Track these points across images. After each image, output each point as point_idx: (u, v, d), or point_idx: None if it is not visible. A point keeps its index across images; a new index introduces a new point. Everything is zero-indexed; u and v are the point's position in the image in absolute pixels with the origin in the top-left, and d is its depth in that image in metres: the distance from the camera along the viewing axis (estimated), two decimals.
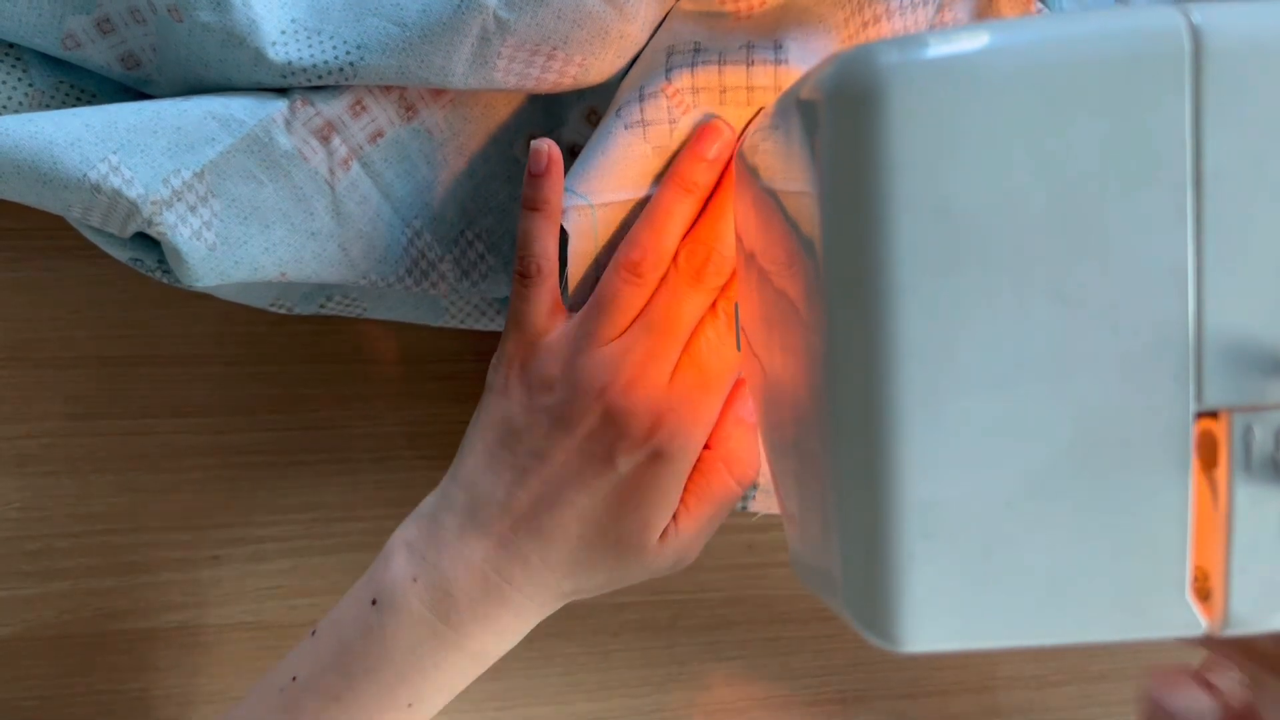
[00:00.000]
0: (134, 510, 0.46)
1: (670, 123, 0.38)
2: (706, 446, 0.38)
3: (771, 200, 0.29)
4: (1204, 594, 0.22)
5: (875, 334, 0.21)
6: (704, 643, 0.51)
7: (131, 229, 0.37)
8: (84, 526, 0.46)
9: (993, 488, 0.22)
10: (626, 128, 0.38)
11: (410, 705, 0.37)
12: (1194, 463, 0.21)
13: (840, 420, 0.23)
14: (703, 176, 0.37)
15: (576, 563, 0.37)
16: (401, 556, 0.37)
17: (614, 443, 0.36)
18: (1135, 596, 0.22)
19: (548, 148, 0.37)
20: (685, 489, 0.38)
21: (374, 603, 0.36)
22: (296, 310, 0.44)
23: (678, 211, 0.38)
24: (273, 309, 0.43)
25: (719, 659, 0.51)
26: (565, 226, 0.38)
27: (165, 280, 0.40)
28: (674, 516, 0.37)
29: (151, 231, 0.36)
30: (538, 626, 0.49)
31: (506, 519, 0.36)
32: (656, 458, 0.36)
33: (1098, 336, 0.21)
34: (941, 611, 0.22)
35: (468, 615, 0.36)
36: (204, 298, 0.43)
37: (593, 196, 0.38)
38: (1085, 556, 0.22)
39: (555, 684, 0.50)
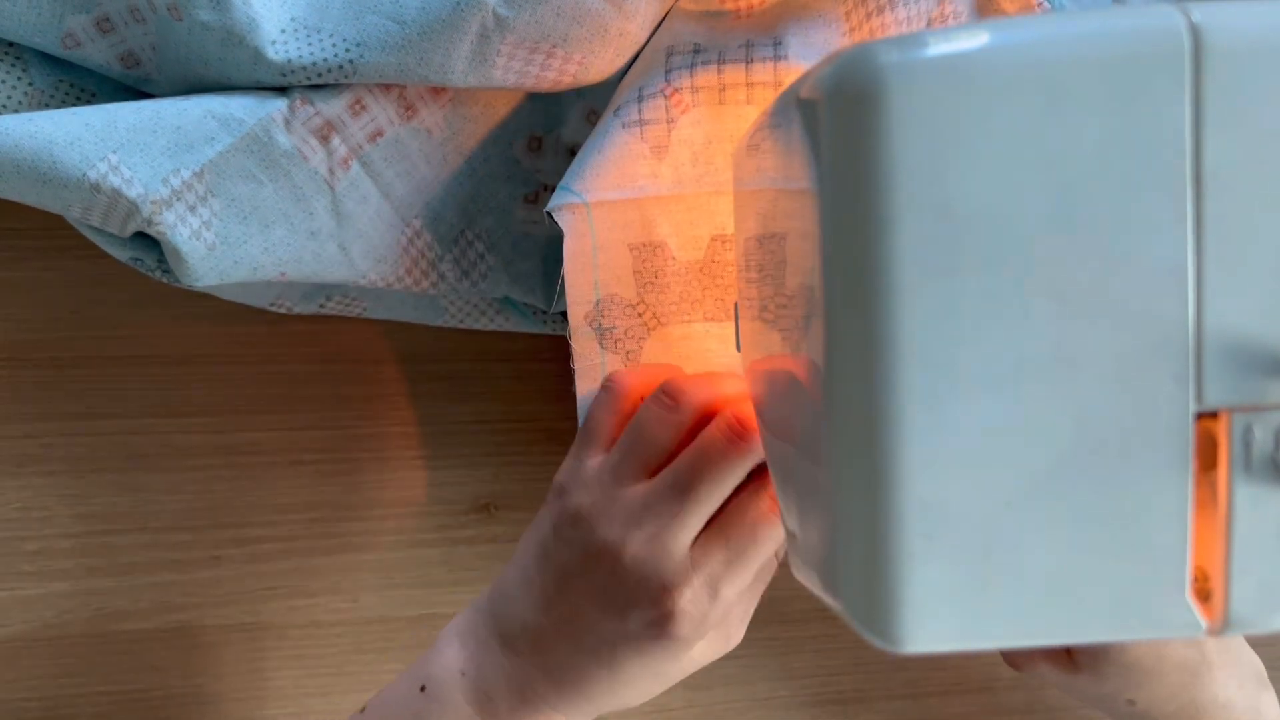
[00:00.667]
0: (134, 510, 0.46)
1: (668, 122, 0.38)
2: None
3: (771, 199, 0.29)
4: (1204, 594, 0.22)
5: (875, 334, 0.21)
6: None
7: (131, 229, 0.37)
8: (84, 526, 0.46)
9: (993, 488, 0.21)
10: (624, 127, 0.38)
11: None
12: (1194, 463, 0.21)
13: (840, 420, 0.23)
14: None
15: (608, 690, 0.36)
16: (454, 648, 0.38)
17: (625, 605, 0.34)
18: (1135, 597, 0.22)
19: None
20: None
21: (423, 689, 0.37)
22: (296, 310, 0.44)
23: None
24: (273, 309, 0.43)
25: (719, 659, 0.51)
26: (560, 225, 0.38)
27: (165, 280, 0.40)
28: None
29: (151, 231, 0.36)
30: None
31: (534, 645, 0.36)
32: (664, 632, 0.34)
33: (1098, 336, 0.21)
34: (941, 612, 0.22)
35: (507, 719, 0.37)
36: (204, 297, 0.43)
37: (588, 195, 0.38)
38: (1085, 557, 0.22)
39: None
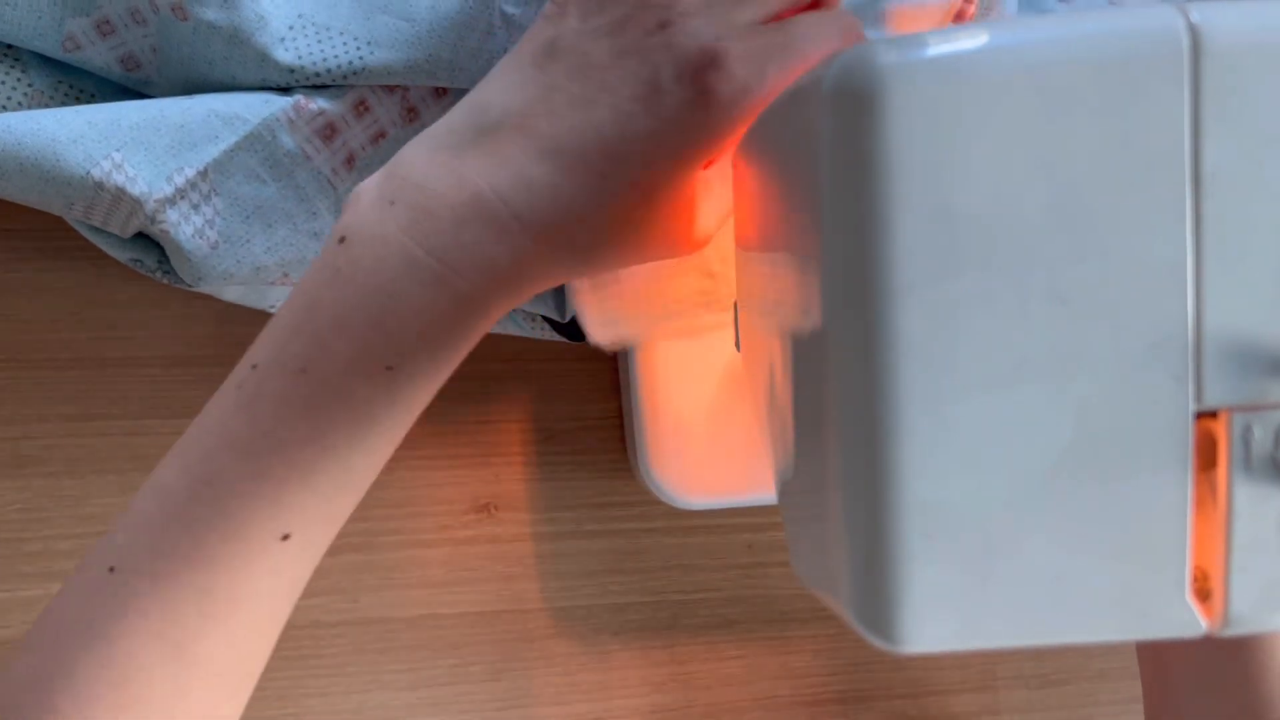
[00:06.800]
0: None
1: None
2: None
3: (771, 199, 0.29)
4: (1204, 594, 0.22)
5: (875, 334, 0.21)
6: (704, 643, 0.51)
7: (133, 228, 0.37)
8: (84, 528, 0.46)
9: (993, 488, 0.22)
10: None
11: (390, 369, 0.29)
12: (1193, 462, 0.21)
13: (840, 420, 0.23)
14: None
15: (603, 210, 0.29)
16: (376, 187, 0.30)
17: (661, 65, 0.28)
18: (1135, 596, 0.22)
19: None
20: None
21: (342, 241, 0.29)
22: None
23: None
24: (273, 310, 0.43)
25: (719, 659, 0.51)
26: None
27: (165, 281, 0.40)
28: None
29: (154, 230, 0.36)
30: (536, 627, 0.49)
31: (517, 137, 0.29)
32: (705, 98, 0.28)
33: (1098, 336, 0.21)
34: (942, 611, 0.22)
35: (452, 239, 0.28)
36: (204, 298, 0.42)
37: None
38: (1085, 556, 0.22)
39: (555, 684, 0.50)
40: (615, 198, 0.29)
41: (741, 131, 0.29)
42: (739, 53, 0.28)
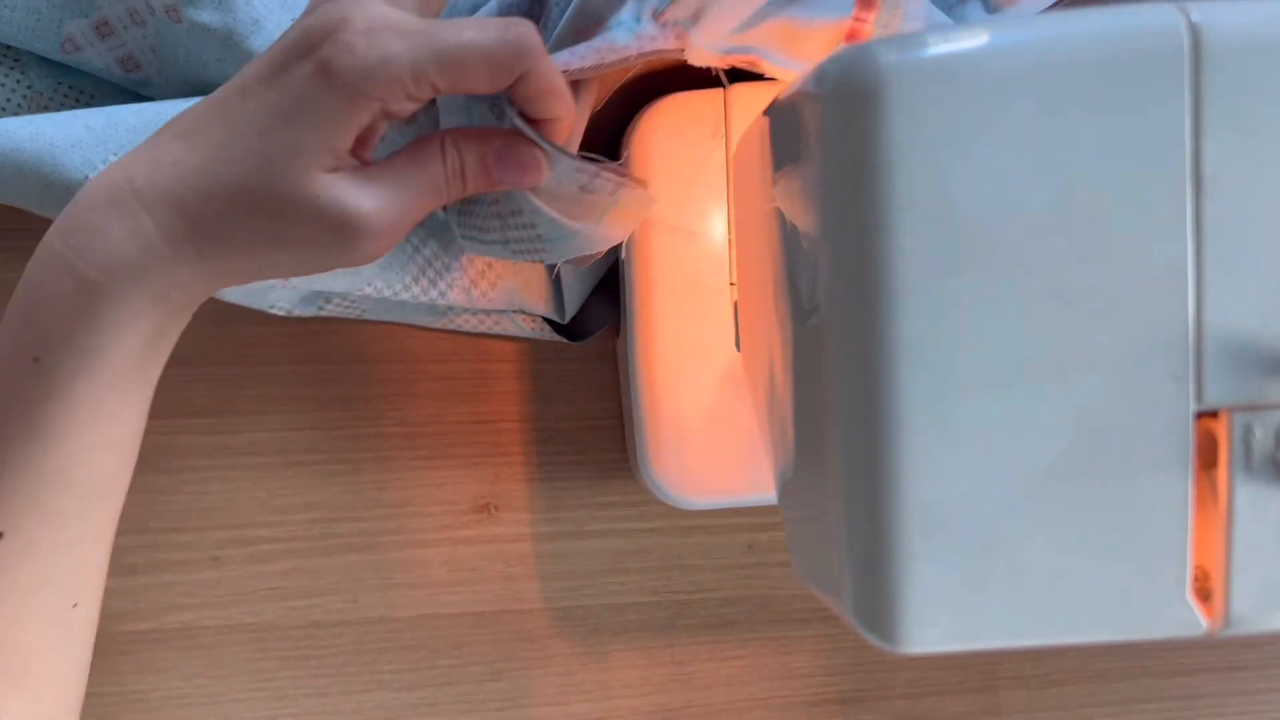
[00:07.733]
0: (134, 510, 0.46)
1: None
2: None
3: (772, 199, 0.29)
4: (1204, 594, 0.22)
5: (875, 334, 0.21)
6: (704, 643, 0.51)
7: None
8: None
9: (993, 488, 0.22)
10: None
11: (37, 360, 0.30)
12: (1194, 462, 0.21)
13: (841, 420, 0.23)
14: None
15: (216, 177, 0.29)
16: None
17: (291, 43, 0.29)
18: (1136, 596, 0.22)
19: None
20: (398, 159, 0.31)
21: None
22: (295, 313, 0.44)
23: None
24: (272, 311, 0.43)
25: (719, 659, 0.51)
26: None
27: None
28: (362, 172, 0.30)
29: None
30: (536, 627, 0.49)
31: (169, 127, 0.30)
32: (323, 70, 0.28)
33: (1098, 336, 0.21)
34: (942, 612, 0.22)
35: (81, 223, 0.29)
36: None
37: None
38: (1085, 556, 0.22)
39: (555, 684, 0.50)
40: (231, 165, 0.29)
41: (366, 116, 0.29)
42: (364, 29, 0.28)
